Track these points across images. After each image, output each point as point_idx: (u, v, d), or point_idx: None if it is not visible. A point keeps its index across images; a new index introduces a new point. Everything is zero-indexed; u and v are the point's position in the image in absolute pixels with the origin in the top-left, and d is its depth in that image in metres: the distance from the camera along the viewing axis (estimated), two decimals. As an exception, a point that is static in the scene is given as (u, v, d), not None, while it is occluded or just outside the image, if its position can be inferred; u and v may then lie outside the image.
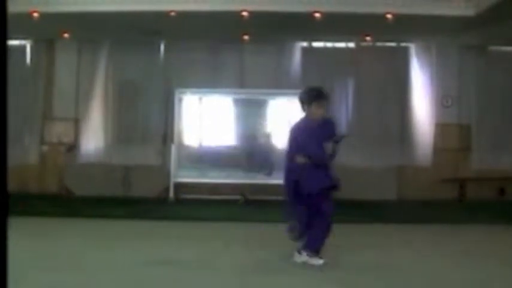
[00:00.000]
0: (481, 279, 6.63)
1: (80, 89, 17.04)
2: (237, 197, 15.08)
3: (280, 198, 15.40)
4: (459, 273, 6.97)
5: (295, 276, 6.62)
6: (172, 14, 13.30)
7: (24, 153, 16.48)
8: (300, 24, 14.29)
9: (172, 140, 15.85)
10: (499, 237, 10.19)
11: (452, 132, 17.00)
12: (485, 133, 16.94)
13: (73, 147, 16.87)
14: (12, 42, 16.18)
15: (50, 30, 15.31)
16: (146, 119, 16.96)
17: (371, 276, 6.72)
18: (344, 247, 8.67)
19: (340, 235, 9.95)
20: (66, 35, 15.78)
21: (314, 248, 7.40)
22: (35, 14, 13.27)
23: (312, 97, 7.60)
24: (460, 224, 11.84)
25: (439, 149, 16.75)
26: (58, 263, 7.05)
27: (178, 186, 15.59)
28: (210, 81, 16.44)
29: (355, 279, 6.58)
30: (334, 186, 7.64)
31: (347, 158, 16.25)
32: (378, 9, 13.18)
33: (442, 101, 17.02)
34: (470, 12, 13.22)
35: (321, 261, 7.29)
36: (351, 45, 16.95)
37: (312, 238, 7.44)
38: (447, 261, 7.76)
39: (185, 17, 13.54)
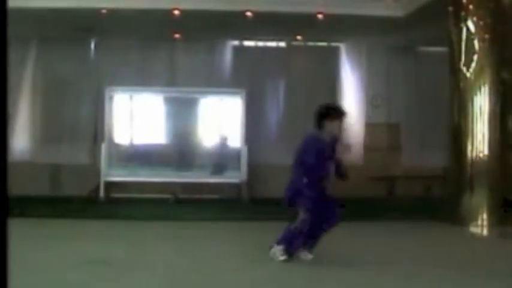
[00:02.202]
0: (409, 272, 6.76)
1: (8, 87, 16.74)
2: (168, 195, 15.00)
3: (211, 196, 15.48)
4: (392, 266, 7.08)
5: (229, 276, 6.63)
6: (104, 11, 13.18)
7: None
8: (232, 23, 14.32)
9: (102, 139, 15.68)
10: (427, 232, 10.39)
11: (382, 131, 17.25)
12: (413, 132, 17.24)
13: (0, 146, 16.57)
14: None
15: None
16: (76, 117, 16.77)
17: (303, 269, 6.77)
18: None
19: (277, 232, 10.01)
20: (-7, 32, 15.46)
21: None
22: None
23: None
24: (389, 220, 12.03)
25: (368, 147, 16.97)
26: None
27: (109, 185, 15.42)
28: (141, 80, 16.34)
29: (285, 274, 6.62)
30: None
31: (279, 157, 16.37)
32: (309, 9, 13.29)
33: (372, 100, 17.26)
34: (399, 13, 13.44)
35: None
36: (282, 44, 17.06)
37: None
38: (380, 256, 7.88)
39: (116, 15, 13.44)
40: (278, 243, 7.51)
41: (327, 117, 7.52)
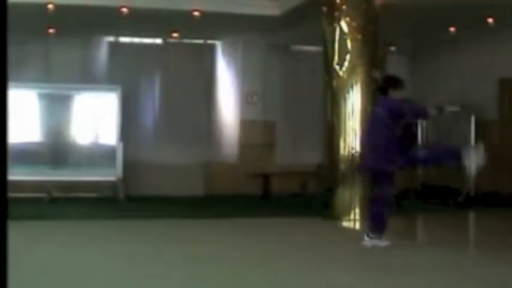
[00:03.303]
0: (283, 270, 6.88)
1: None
2: (43, 194, 14.68)
3: (87, 195, 15.24)
4: (262, 263, 7.20)
5: (109, 276, 6.58)
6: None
7: None
8: (107, 19, 14.15)
9: (-28, 136, 15.16)
10: (299, 228, 10.61)
11: (257, 129, 17.41)
12: (288, 129, 17.50)
13: None
14: None
15: None
16: None
17: (184, 268, 6.80)
18: (162, 240, 8.81)
19: (153, 230, 10.03)
20: None
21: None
22: None
23: None
24: (264, 217, 12.20)
25: (244, 145, 17.10)
26: None
27: (-21, 184, 14.89)
28: (14, 75, 15.82)
29: (174, 272, 6.63)
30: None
31: (155, 155, 16.32)
32: (185, 6, 13.26)
33: (248, 98, 17.39)
34: (275, 12, 13.60)
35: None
36: (158, 41, 16.99)
37: None
38: (255, 253, 7.99)
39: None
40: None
41: (391, 85, 8.44)
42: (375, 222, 8.36)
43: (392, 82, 8.56)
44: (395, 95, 8.40)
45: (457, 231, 10.58)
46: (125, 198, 14.85)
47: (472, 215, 13.18)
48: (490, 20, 13.56)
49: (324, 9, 11.80)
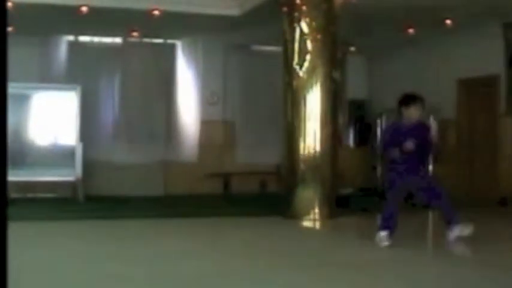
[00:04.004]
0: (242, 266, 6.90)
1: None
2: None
3: (46, 195, 15.08)
4: (219, 260, 7.21)
5: (68, 275, 6.54)
6: None
7: None
8: (66, 17, 14.03)
9: None
10: (260, 227, 10.63)
11: (217, 129, 17.42)
12: (248, 129, 17.52)
13: None
14: None
15: None
16: None
17: (145, 266, 6.79)
18: (123, 240, 8.77)
19: (113, 230, 9.97)
20: None
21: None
22: None
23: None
24: (224, 216, 12.19)
25: (204, 145, 17.09)
26: None
27: None
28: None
29: (133, 270, 6.61)
30: None
31: (114, 155, 16.22)
32: (145, 5, 13.21)
33: (208, 98, 17.37)
34: (235, 12, 13.60)
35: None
36: (118, 40, 16.88)
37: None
38: (213, 252, 8.00)
39: None
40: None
41: (402, 105, 8.42)
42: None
43: (402, 100, 8.45)
44: (412, 114, 8.37)
45: (415, 230, 10.64)
46: (85, 199, 14.74)
47: (429, 215, 13.27)
48: (448, 22, 13.72)
49: (284, 9, 11.82)
